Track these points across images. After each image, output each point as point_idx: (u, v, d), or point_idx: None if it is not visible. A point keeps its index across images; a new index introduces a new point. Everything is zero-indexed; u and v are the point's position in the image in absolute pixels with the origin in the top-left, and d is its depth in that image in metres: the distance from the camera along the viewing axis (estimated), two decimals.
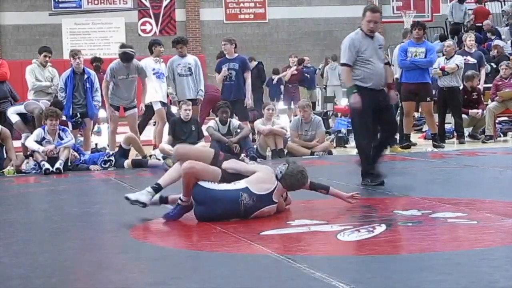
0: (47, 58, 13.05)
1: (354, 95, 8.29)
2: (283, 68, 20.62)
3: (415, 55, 12.74)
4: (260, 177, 6.40)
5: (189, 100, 12.61)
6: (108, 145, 14.17)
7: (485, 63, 16.33)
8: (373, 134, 8.48)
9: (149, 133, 13.89)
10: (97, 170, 11.23)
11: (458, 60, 13.87)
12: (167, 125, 12.69)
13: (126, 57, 12.33)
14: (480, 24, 21.88)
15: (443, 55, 14.52)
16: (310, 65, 21.54)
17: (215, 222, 6.17)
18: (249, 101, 13.05)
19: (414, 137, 13.99)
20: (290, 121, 17.04)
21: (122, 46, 12.77)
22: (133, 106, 12.46)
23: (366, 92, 8.26)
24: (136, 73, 12.36)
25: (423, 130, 15.86)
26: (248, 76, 13.13)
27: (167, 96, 13.26)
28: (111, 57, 17.95)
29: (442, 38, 19.97)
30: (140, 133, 13.01)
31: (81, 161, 11.52)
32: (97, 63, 16.79)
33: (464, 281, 4.12)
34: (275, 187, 6.40)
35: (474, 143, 14.19)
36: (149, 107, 12.94)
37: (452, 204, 6.82)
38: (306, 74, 21.00)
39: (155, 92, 12.80)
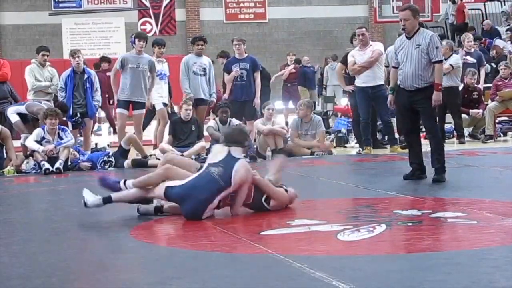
0: (46, 57, 13.03)
1: (389, 96, 8.88)
2: (281, 67, 20.55)
3: None
4: (213, 152, 6.85)
5: (199, 99, 12.65)
6: (108, 145, 14.19)
7: (485, 62, 16.33)
8: (412, 133, 8.87)
9: (149, 133, 13.88)
10: (87, 169, 11.26)
11: (453, 59, 13.80)
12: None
13: (140, 34, 12.58)
14: (467, 22, 22.06)
15: None
16: (310, 65, 21.46)
17: (214, 220, 6.17)
18: (257, 100, 13.02)
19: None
20: (286, 122, 17.04)
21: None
22: (142, 106, 12.41)
23: (401, 92, 8.63)
24: (147, 65, 12.30)
25: (423, 130, 15.84)
26: (258, 76, 13.10)
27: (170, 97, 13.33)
28: (112, 57, 17.95)
29: (441, 38, 19.97)
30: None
31: (79, 161, 11.52)
32: (105, 62, 16.93)
33: (464, 281, 4.12)
34: (229, 150, 6.65)
35: (474, 143, 14.20)
36: (152, 108, 12.97)
37: (452, 204, 6.83)
38: (310, 75, 20.90)
39: (157, 93, 12.80)
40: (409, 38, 8.46)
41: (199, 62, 12.88)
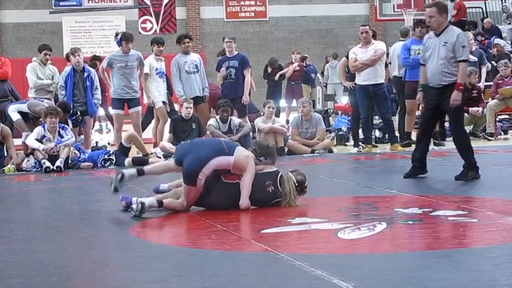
0: (47, 56, 13.05)
1: (419, 93, 8.82)
2: (285, 65, 20.51)
3: (418, 53, 12.71)
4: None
5: (197, 97, 12.66)
6: (108, 143, 14.20)
7: (486, 61, 16.32)
8: (426, 131, 8.83)
9: (149, 131, 13.88)
10: (90, 167, 11.28)
11: None
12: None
13: (126, 36, 12.51)
14: (464, 19, 22.05)
15: None
16: (310, 63, 21.40)
17: (215, 218, 6.17)
18: (246, 98, 13.03)
19: (415, 135, 13.98)
20: (287, 120, 17.03)
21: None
22: (137, 103, 12.46)
23: (429, 89, 8.63)
24: (135, 62, 12.37)
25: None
26: (247, 73, 13.12)
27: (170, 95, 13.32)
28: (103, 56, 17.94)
29: None
30: (142, 131, 13.06)
31: (80, 159, 11.52)
32: (95, 61, 16.81)
33: (464, 279, 4.12)
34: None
35: (474, 141, 14.16)
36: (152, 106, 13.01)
37: (453, 202, 6.82)
38: (312, 74, 20.83)
39: (157, 91, 12.81)
40: (437, 35, 8.46)
41: (189, 60, 12.91)
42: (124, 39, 12.42)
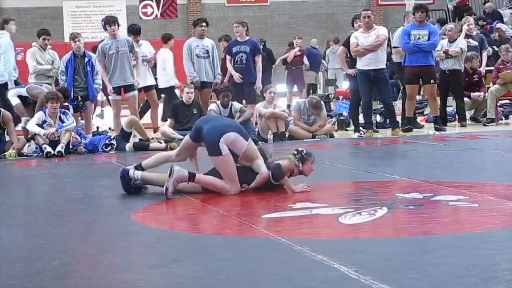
0: (46, 41, 13.04)
1: None
2: (286, 50, 20.44)
3: (418, 38, 12.70)
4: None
5: (204, 82, 12.67)
6: (110, 129, 14.20)
7: (487, 46, 16.28)
8: None
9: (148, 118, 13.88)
10: (82, 152, 11.27)
11: (462, 43, 13.84)
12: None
13: (108, 19, 12.42)
14: (468, 4, 22.03)
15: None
16: (312, 46, 21.25)
17: (215, 203, 6.17)
18: (259, 84, 13.02)
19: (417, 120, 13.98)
20: (288, 105, 17.01)
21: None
22: (133, 88, 12.43)
23: None
24: (126, 47, 12.27)
25: (425, 113, 15.86)
26: (259, 60, 13.09)
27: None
28: None
29: (442, 23, 19.87)
30: (142, 116, 13.06)
31: (81, 144, 11.51)
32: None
33: (465, 263, 4.12)
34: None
35: (475, 126, 14.19)
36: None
37: (454, 187, 6.82)
38: (308, 60, 20.73)
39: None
40: None
41: (202, 44, 12.89)
42: (107, 22, 12.30)
